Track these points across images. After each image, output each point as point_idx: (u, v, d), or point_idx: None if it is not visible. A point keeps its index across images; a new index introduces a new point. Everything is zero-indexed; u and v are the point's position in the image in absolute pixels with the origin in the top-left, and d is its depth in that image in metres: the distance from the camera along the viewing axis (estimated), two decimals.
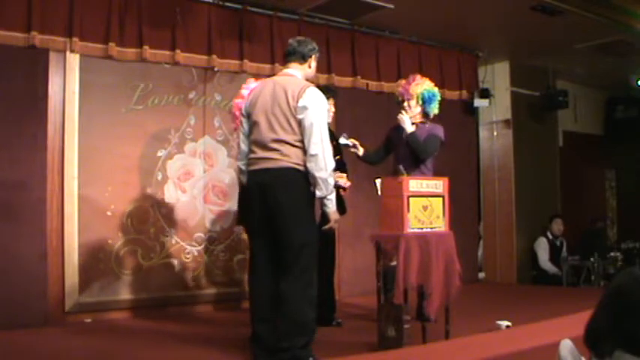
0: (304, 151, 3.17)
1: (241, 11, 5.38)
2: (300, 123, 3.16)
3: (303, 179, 3.19)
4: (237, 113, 3.68)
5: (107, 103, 4.84)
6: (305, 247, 3.17)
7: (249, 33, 5.36)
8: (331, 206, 3.28)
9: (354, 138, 4.56)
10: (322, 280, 4.47)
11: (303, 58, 3.37)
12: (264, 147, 3.23)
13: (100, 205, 4.76)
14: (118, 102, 4.90)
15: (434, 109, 4.45)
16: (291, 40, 3.44)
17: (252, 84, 3.81)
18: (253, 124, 3.30)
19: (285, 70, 3.39)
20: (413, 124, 4.40)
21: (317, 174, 3.14)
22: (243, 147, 3.40)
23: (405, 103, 4.44)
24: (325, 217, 3.38)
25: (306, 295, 3.16)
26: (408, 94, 4.45)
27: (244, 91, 3.75)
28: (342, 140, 4.50)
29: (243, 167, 3.40)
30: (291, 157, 3.17)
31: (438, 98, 4.47)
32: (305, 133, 3.15)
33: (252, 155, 3.31)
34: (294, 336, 3.11)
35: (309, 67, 3.41)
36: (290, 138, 3.18)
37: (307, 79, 3.39)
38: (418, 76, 4.51)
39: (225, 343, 3.81)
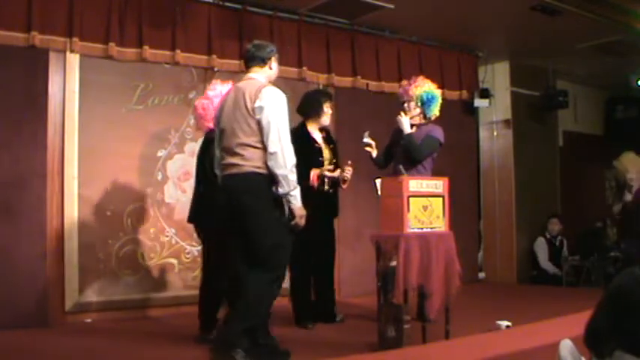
0: (266, 150, 3.24)
1: (241, 11, 5.38)
2: (258, 123, 3.23)
3: (267, 181, 3.26)
4: (202, 113, 3.98)
5: (107, 103, 4.84)
6: (275, 249, 3.26)
7: (249, 33, 5.35)
8: (295, 202, 3.30)
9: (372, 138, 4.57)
10: (323, 278, 4.54)
11: (263, 61, 3.46)
12: (230, 152, 3.32)
13: (100, 205, 4.76)
14: (118, 102, 4.91)
15: (433, 111, 4.45)
16: (248, 46, 3.54)
17: (217, 86, 3.97)
18: (221, 132, 3.41)
19: (247, 75, 3.48)
20: (412, 125, 4.41)
21: (277, 171, 3.21)
22: (217, 153, 3.50)
23: (405, 105, 4.46)
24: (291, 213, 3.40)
25: (269, 289, 3.26)
26: (408, 95, 4.47)
27: (210, 92, 3.96)
28: (365, 138, 4.52)
29: (218, 173, 3.49)
30: (253, 161, 3.25)
31: (439, 100, 4.47)
32: (263, 132, 3.22)
33: (222, 162, 3.41)
34: (240, 318, 3.20)
35: (270, 68, 3.50)
36: (251, 140, 3.25)
37: (271, 80, 3.50)
38: (420, 78, 4.51)
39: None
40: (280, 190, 3.25)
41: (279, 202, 3.32)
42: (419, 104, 4.42)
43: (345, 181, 4.55)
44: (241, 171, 3.27)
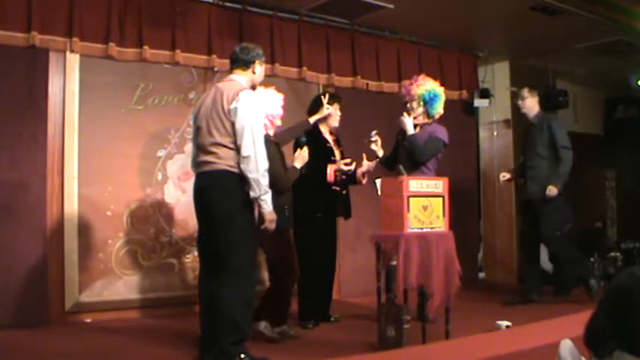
0: (239, 152, 3.26)
1: (241, 11, 5.38)
2: (233, 125, 3.25)
3: (238, 180, 3.27)
4: None
5: (107, 103, 4.84)
6: (239, 247, 3.25)
7: (249, 33, 5.35)
8: (266, 206, 3.31)
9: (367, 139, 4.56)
10: (321, 278, 4.54)
11: (246, 65, 3.47)
12: (205, 151, 3.35)
13: (100, 205, 4.77)
14: (118, 102, 4.90)
15: (436, 110, 4.42)
16: (235, 48, 3.55)
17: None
18: (197, 129, 3.43)
19: (229, 76, 3.50)
20: (416, 125, 4.39)
21: (249, 175, 3.23)
22: (193, 151, 3.53)
23: (408, 105, 4.45)
24: (261, 217, 3.39)
25: (238, 293, 3.24)
26: (410, 95, 4.45)
27: None
28: (373, 137, 4.50)
29: (193, 170, 3.53)
30: (226, 160, 3.27)
31: (442, 98, 4.44)
32: (237, 135, 3.24)
33: (197, 159, 3.44)
34: (225, 333, 3.20)
35: (254, 72, 3.50)
36: (226, 141, 3.27)
37: (255, 84, 3.52)
38: (421, 77, 4.49)
39: None
40: (252, 194, 3.25)
41: (250, 202, 3.32)
42: (421, 103, 4.41)
43: (364, 174, 4.56)
44: (213, 168, 3.30)
